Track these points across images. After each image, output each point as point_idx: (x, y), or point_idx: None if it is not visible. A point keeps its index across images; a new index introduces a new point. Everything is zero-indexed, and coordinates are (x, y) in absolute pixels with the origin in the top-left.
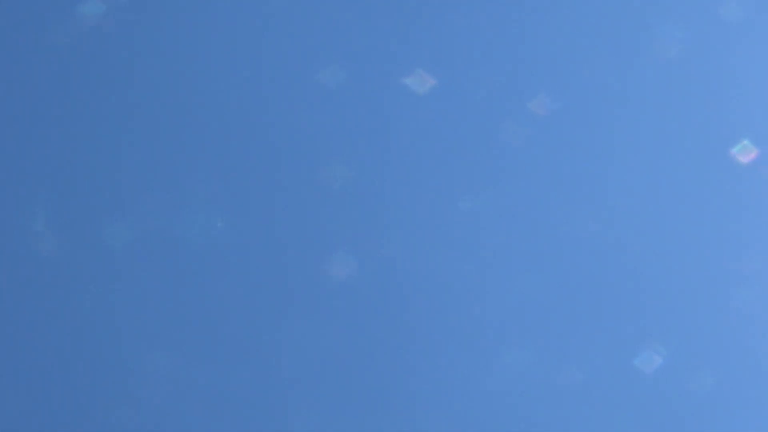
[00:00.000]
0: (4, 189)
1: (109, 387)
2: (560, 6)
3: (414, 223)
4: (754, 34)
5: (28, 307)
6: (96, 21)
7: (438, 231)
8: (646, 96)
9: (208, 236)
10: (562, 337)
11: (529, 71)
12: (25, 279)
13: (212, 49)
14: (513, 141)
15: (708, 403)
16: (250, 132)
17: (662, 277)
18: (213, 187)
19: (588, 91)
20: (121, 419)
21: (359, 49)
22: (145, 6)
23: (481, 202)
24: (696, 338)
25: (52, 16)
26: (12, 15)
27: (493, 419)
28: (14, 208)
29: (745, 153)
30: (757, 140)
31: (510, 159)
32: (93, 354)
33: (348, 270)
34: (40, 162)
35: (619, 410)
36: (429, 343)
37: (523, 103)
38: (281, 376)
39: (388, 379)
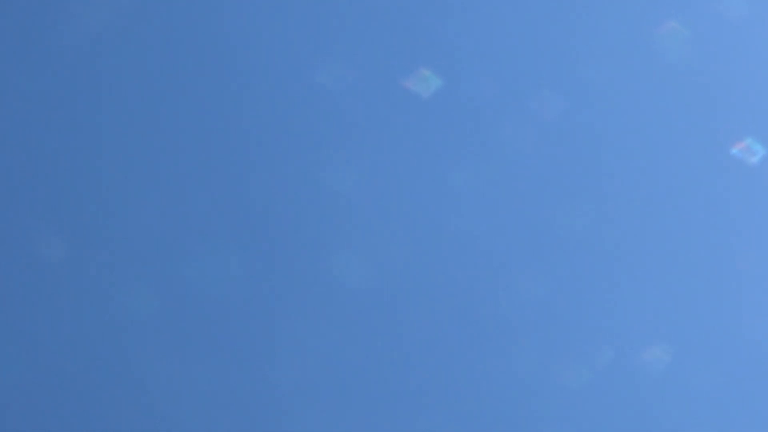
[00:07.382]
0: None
1: (110, 389)
2: (562, 4)
3: (418, 225)
4: (757, 31)
5: (31, 310)
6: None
7: (443, 232)
8: (648, 94)
9: (210, 239)
10: (566, 335)
11: (531, 70)
12: (30, 284)
13: (210, 49)
14: (516, 141)
15: (714, 401)
16: (248, 134)
17: (665, 271)
18: (211, 190)
19: (590, 90)
20: (122, 420)
21: (360, 50)
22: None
23: (483, 204)
24: (702, 336)
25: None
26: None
27: (498, 411)
28: (17, 216)
29: (748, 153)
30: (763, 140)
31: (514, 161)
32: (96, 356)
33: (353, 271)
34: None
35: (625, 409)
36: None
37: (524, 103)
38: (283, 376)
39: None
